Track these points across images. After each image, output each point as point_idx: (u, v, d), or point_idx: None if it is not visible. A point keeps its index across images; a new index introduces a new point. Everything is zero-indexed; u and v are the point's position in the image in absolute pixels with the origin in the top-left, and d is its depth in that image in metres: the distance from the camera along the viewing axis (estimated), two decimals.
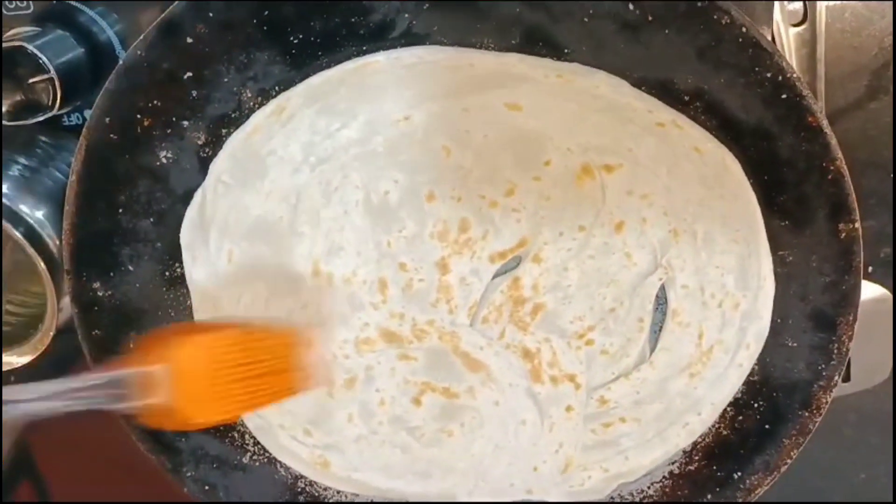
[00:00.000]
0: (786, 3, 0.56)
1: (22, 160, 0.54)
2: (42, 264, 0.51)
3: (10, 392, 0.38)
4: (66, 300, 0.51)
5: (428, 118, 0.48)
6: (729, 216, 0.48)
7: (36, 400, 0.38)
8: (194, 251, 0.50)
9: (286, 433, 0.52)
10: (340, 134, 0.48)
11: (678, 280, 0.50)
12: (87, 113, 0.56)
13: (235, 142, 0.48)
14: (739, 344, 0.50)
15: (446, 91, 0.47)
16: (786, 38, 0.57)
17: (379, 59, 0.47)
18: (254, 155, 0.48)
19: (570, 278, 0.50)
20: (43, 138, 0.56)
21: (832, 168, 0.44)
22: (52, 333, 0.54)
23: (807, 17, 0.57)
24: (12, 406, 0.37)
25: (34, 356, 0.55)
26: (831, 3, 0.57)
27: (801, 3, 0.56)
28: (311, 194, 0.49)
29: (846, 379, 0.58)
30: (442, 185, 0.49)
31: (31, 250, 0.51)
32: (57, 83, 0.52)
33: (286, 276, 0.50)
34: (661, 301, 0.51)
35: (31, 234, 0.52)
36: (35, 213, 0.52)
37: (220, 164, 0.48)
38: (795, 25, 0.57)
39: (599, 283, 0.50)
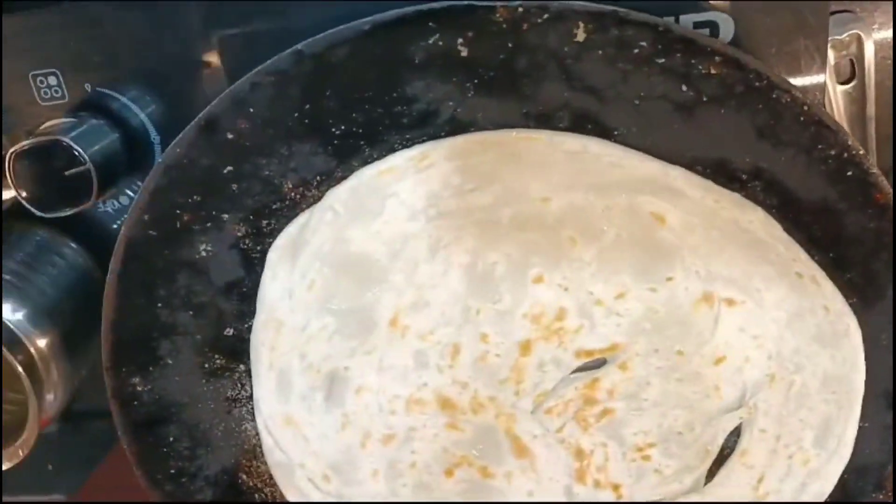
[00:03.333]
0: (833, 60, 0.55)
1: (10, 263, 0.54)
2: (20, 369, 0.51)
3: None
4: (49, 399, 0.52)
5: (567, 207, 0.47)
6: (831, 377, 0.47)
7: None
8: (278, 269, 0.49)
9: (304, 473, 0.51)
10: (471, 195, 0.47)
11: (758, 422, 0.48)
12: (123, 199, 0.56)
13: (363, 175, 0.47)
14: (796, 498, 0.49)
15: (598, 186, 0.46)
16: (834, 96, 0.56)
17: (542, 137, 0.46)
18: (377, 192, 0.47)
19: (649, 393, 0.49)
20: (38, 235, 0.57)
21: None
22: (34, 438, 0.53)
23: (855, 74, 0.55)
24: None
25: (15, 462, 0.54)
26: (879, 58, 0.55)
27: (848, 61, 0.55)
28: (417, 245, 0.47)
29: None
30: (554, 272, 0.47)
31: (9, 357, 0.51)
32: (93, 174, 0.51)
33: (361, 318, 0.49)
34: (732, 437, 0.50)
35: (11, 340, 0.51)
36: (14, 316, 0.52)
37: (339, 193, 0.47)
38: (843, 83, 0.56)
39: (676, 406, 0.49)
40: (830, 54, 0.54)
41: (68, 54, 0.53)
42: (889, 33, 0.54)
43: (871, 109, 0.55)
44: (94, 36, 0.53)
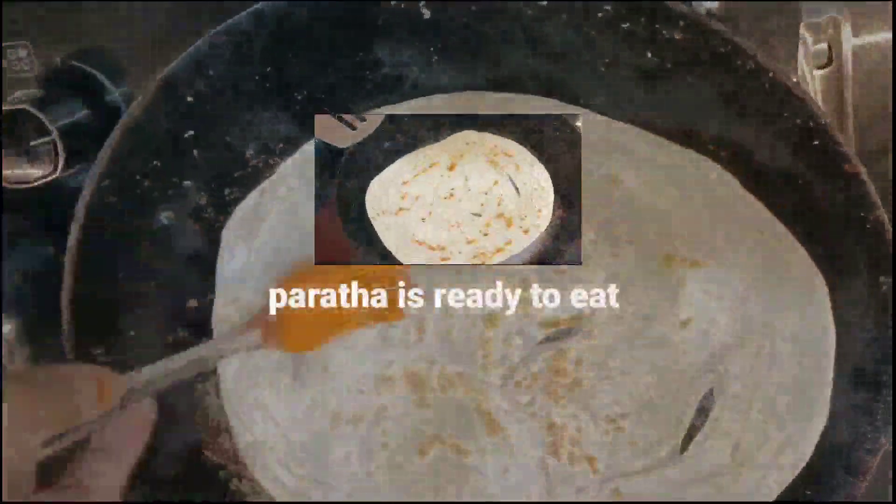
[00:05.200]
0: (810, 44, 0.54)
1: None
2: None
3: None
4: None
5: None
6: (802, 338, 0.46)
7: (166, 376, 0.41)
8: (234, 248, 0.48)
9: (275, 456, 0.50)
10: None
11: (730, 388, 0.47)
12: None
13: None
14: (772, 466, 0.47)
15: None
16: (811, 81, 0.55)
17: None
18: None
19: (616, 361, 0.48)
20: (4, 222, 0.56)
21: (871, 218, 0.41)
22: None
23: (832, 58, 0.55)
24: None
25: None
26: (857, 43, 0.55)
27: (825, 45, 0.54)
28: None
29: None
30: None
31: None
32: (59, 145, 0.50)
33: None
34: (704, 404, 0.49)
35: None
36: None
37: (291, 165, 0.46)
38: (821, 68, 0.55)
39: (646, 373, 0.48)
40: (808, 38, 0.54)
41: (39, 27, 0.53)
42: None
43: (848, 93, 0.55)
44: (67, 8, 0.52)
